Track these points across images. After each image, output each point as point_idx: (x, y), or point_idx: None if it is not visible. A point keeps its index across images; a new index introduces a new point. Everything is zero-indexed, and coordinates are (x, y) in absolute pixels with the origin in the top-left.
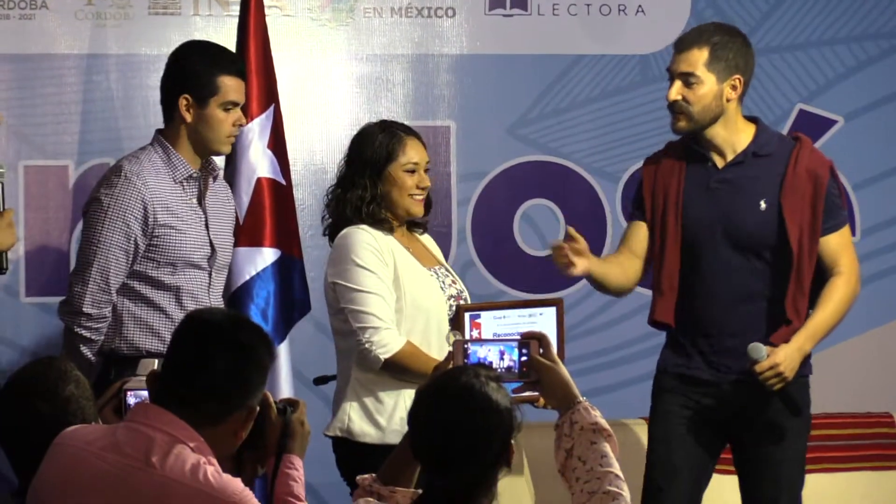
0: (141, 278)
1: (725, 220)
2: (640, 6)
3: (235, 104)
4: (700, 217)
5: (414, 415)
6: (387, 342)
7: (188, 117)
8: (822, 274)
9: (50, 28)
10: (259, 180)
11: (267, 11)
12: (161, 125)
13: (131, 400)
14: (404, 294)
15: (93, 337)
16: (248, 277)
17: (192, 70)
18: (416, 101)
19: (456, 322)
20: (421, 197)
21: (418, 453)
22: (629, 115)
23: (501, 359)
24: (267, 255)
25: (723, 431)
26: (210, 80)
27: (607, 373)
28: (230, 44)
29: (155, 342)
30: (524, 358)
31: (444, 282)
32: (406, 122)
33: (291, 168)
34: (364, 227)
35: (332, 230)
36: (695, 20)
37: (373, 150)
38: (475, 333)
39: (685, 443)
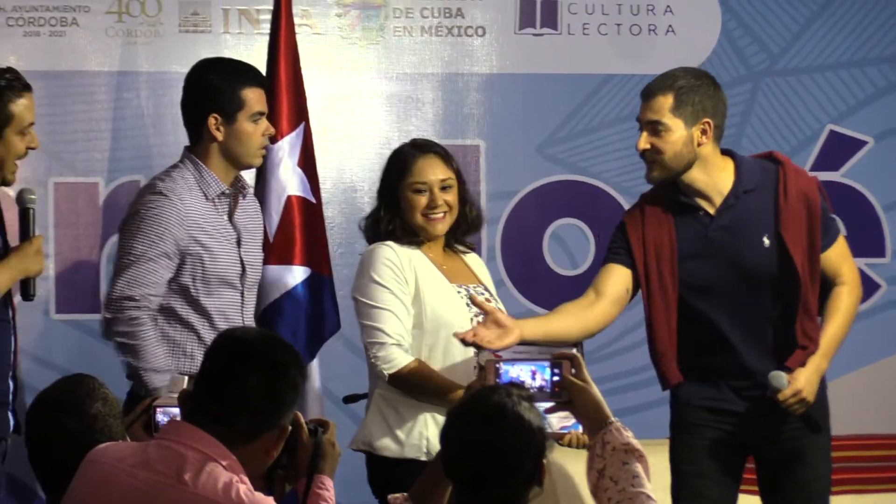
0: (174, 297)
1: (735, 265)
2: (670, 26)
3: (262, 114)
4: (706, 268)
5: (446, 434)
6: (392, 358)
7: (219, 135)
8: (825, 285)
9: (80, 45)
10: (289, 198)
11: (297, 29)
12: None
13: (160, 417)
14: (424, 309)
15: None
16: (277, 295)
17: (216, 88)
18: (446, 120)
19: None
20: (438, 216)
21: (450, 472)
22: None
23: (533, 378)
24: (297, 273)
25: (746, 452)
26: (235, 96)
27: (631, 394)
28: (260, 61)
29: (186, 363)
30: (556, 378)
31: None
32: (435, 141)
33: (321, 186)
34: (389, 242)
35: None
36: (725, 40)
37: (388, 169)
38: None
39: (716, 472)
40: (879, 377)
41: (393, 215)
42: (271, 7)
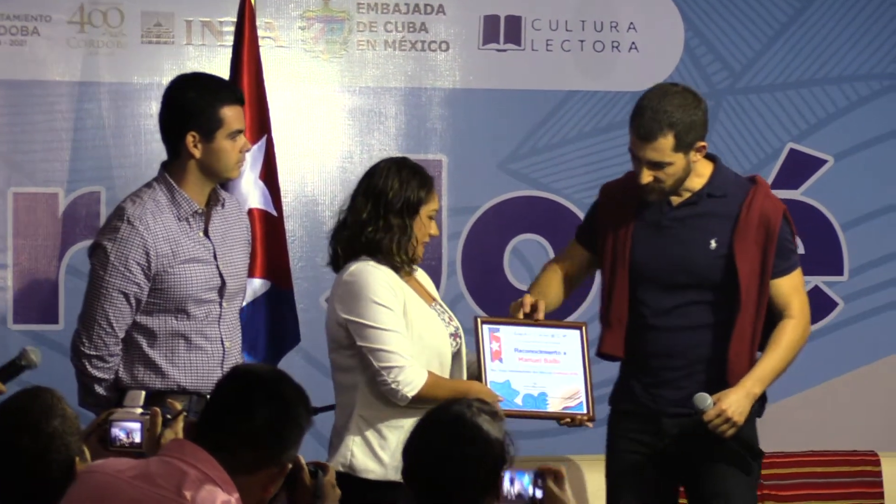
0: (150, 317)
1: (676, 259)
2: (633, 43)
3: (240, 131)
4: (650, 255)
5: (406, 443)
6: (412, 379)
7: (197, 153)
8: (774, 317)
9: (41, 55)
10: (250, 211)
11: (261, 42)
12: (151, 154)
13: (116, 431)
14: (412, 331)
15: (99, 375)
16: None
17: (195, 106)
18: (409, 135)
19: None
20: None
21: (409, 482)
22: (621, 151)
23: (511, 485)
24: (257, 286)
25: (674, 473)
26: (214, 114)
27: None
28: (223, 73)
29: (158, 380)
30: (539, 490)
31: (443, 318)
32: (397, 155)
33: (283, 199)
34: (372, 263)
35: (343, 261)
36: (688, 57)
37: (412, 189)
38: (494, 346)
39: (637, 484)
40: (836, 394)
41: (411, 235)
42: (235, 19)
